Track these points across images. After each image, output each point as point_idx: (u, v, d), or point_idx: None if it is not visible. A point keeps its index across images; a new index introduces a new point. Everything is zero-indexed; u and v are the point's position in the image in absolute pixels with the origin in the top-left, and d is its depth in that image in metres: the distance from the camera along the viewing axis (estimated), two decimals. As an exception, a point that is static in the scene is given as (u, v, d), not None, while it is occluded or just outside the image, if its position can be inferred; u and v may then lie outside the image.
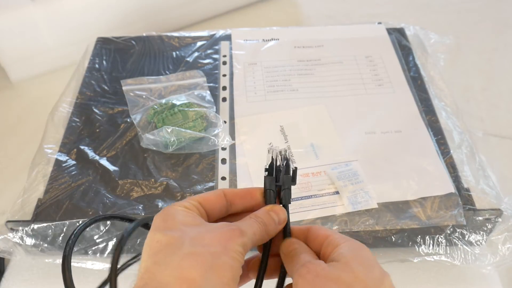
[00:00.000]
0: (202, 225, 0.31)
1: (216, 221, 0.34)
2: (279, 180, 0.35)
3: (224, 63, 0.72)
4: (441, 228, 0.52)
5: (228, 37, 0.76)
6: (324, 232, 0.34)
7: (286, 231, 0.35)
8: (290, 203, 0.35)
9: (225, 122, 0.63)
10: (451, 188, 0.54)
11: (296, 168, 0.36)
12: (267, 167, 0.35)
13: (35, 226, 0.52)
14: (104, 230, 0.53)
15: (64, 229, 0.53)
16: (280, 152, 0.36)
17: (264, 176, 0.35)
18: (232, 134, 0.61)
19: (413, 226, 0.51)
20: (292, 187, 0.36)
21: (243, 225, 0.32)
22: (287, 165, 0.35)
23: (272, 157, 0.36)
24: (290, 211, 0.35)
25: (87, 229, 0.52)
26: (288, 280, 0.34)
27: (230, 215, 0.36)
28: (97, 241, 0.53)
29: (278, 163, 0.36)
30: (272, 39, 0.76)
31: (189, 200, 0.33)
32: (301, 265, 0.30)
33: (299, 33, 0.77)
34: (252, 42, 0.75)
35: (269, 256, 0.34)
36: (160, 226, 0.30)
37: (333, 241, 0.32)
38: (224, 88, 0.68)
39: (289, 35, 0.77)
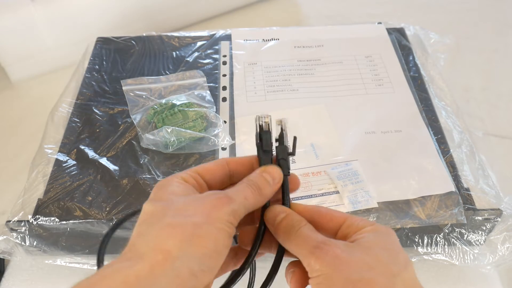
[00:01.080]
0: (191, 195, 0.30)
1: None
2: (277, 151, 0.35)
3: (224, 63, 0.72)
4: (439, 227, 0.52)
5: (228, 37, 0.76)
6: (341, 214, 0.32)
7: (285, 200, 0.34)
8: (288, 174, 0.34)
9: (225, 122, 0.63)
10: (451, 187, 0.54)
11: (295, 137, 0.35)
12: (255, 136, 0.35)
13: (35, 226, 0.52)
14: (105, 230, 0.53)
15: (65, 229, 0.53)
16: (277, 122, 0.35)
17: (256, 144, 0.35)
18: (232, 134, 0.61)
19: (414, 225, 0.51)
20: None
21: (231, 192, 0.30)
22: (281, 136, 0.35)
23: (258, 124, 0.35)
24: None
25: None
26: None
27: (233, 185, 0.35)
28: (99, 239, 0.54)
29: (275, 133, 0.35)
30: (272, 39, 0.76)
31: (188, 171, 0.32)
32: (314, 246, 0.29)
33: (299, 33, 0.77)
34: (252, 42, 0.75)
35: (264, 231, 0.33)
36: (152, 196, 0.30)
37: (356, 223, 0.31)
38: (224, 88, 0.68)
39: (289, 35, 0.77)
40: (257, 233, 0.33)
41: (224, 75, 0.70)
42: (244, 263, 0.32)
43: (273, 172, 0.33)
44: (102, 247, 0.34)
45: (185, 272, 0.26)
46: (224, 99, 0.66)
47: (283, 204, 0.34)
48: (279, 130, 0.35)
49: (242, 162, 0.34)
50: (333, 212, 0.32)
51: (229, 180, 0.34)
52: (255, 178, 0.32)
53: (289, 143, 0.35)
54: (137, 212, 0.39)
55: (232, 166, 0.34)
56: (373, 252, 0.28)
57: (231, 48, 0.74)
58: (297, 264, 0.31)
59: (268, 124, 0.35)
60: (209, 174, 0.33)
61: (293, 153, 0.35)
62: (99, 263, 0.35)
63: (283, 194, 0.34)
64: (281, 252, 0.32)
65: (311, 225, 0.32)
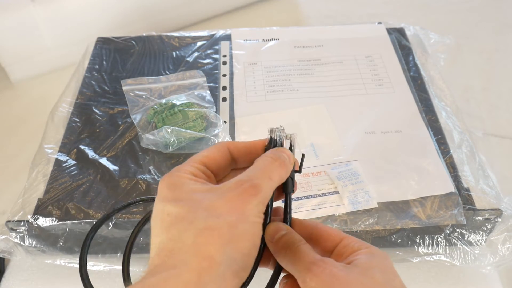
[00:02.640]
0: (213, 191, 0.28)
1: (222, 179, 0.32)
2: None
3: (224, 63, 0.72)
4: (440, 228, 0.52)
5: (228, 37, 0.76)
6: (338, 233, 0.31)
7: (286, 219, 0.33)
8: (293, 191, 0.34)
9: (225, 122, 0.63)
10: (451, 188, 0.53)
11: (303, 154, 0.34)
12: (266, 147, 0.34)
13: (35, 226, 0.52)
14: (105, 230, 0.53)
15: (65, 229, 0.53)
16: (287, 136, 0.34)
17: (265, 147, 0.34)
18: (232, 134, 0.61)
19: (413, 225, 0.51)
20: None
21: (254, 175, 0.29)
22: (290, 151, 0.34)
23: (272, 137, 0.34)
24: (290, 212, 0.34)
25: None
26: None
27: (236, 170, 0.34)
28: (98, 241, 0.53)
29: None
30: (272, 39, 0.76)
31: (193, 164, 0.31)
32: (311, 263, 0.28)
33: (299, 33, 0.77)
34: (252, 42, 0.75)
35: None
36: (168, 196, 0.28)
37: (352, 244, 0.30)
38: (224, 88, 0.68)
39: (289, 35, 0.76)
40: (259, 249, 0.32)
41: (224, 75, 0.70)
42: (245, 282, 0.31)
43: (288, 152, 0.32)
44: (86, 244, 0.34)
45: (229, 275, 0.26)
46: (224, 99, 0.66)
47: (284, 221, 0.33)
48: (288, 145, 0.34)
49: (246, 149, 0.33)
50: (330, 230, 0.32)
51: (233, 165, 0.33)
52: (274, 153, 0.31)
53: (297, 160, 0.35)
54: (121, 209, 0.37)
55: (235, 154, 0.33)
56: (370, 273, 0.28)
57: (231, 48, 0.74)
58: (291, 276, 0.31)
59: (283, 138, 0.34)
60: (215, 164, 0.32)
61: (299, 171, 0.34)
62: (82, 260, 0.34)
63: (285, 211, 0.33)
64: (278, 270, 0.32)
65: (308, 243, 0.31)
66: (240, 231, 0.27)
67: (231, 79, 0.69)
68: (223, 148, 0.32)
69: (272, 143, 0.34)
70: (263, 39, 0.76)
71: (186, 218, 0.27)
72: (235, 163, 0.33)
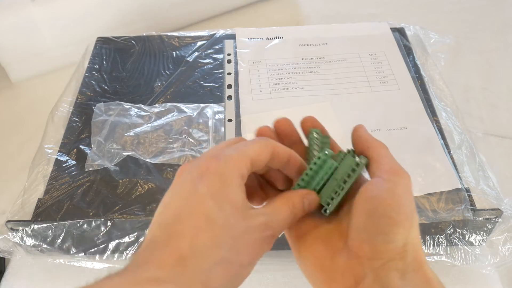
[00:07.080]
0: (241, 220, 0.27)
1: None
2: None
3: (229, 61, 0.72)
4: (441, 228, 0.52)
5: (228, 37, 0.76)
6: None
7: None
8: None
9: (230, 120, 0.62)
10: (457, 184, 0.53)
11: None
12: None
13: (35, 226, 0.52)
14: (105, 230, 0.52)
15: (64, 230, 0.52)
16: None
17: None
18: (238, 132, 0.61)
19: (420, 222, 0.51)
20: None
21: (276, 222, 0.29)
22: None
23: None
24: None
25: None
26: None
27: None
28: (97, 242, 0.53)
29: None
30: (276, 38, 0.76)
31: (245, 161, 0.28)
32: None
33: (303, 31, 0.77)
34: (257, 40, 0.75)
35: None
36: (214, 192, 0.27)
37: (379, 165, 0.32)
38: (230, 86, 0.68)
39: (293, 33, 0.76)
40: None
41: (229, 74, 0.70)
42: None
43: (313, 200, 0.33)
44: None
45: None
46: (229, 97, 0.66)
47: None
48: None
49: (288, 157, 0.32)
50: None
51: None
52: (298, 205, 0.31)
53: None
54: None
55: (276, 159, 0.31)
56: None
57: (235, 47, 0.74)
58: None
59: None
60: (257, 165, 0.30)
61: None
62: None
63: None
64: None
65: None
66: (246, 271, 0.28)
67: (236, 78, 0.69)
68: (269, 149, 0.30)
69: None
70: (267, 38, 0.75)
71: (213, 237, 0.26)
72: (270, 166, 0.32)
